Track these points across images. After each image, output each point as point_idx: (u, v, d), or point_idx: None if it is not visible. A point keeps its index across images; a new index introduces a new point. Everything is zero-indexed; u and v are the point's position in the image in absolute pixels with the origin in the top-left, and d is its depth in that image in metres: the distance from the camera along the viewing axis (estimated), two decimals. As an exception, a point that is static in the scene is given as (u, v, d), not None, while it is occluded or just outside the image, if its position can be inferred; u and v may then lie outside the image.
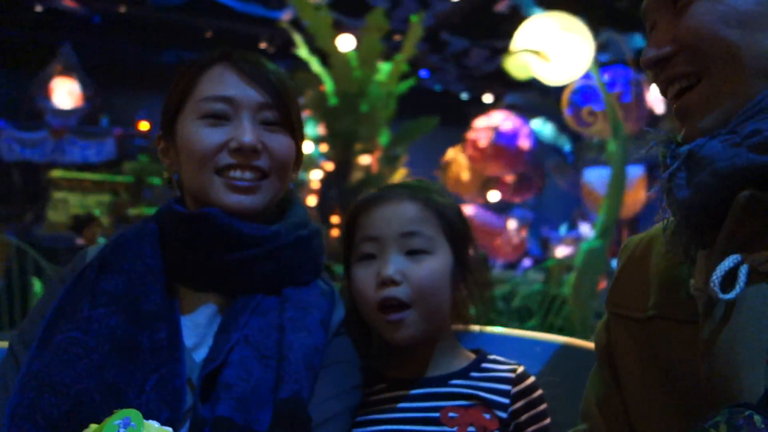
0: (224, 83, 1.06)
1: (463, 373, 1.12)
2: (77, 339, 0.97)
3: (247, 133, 1.04)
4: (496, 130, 8.74)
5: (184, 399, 0.97)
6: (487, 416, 1.07)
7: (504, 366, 1.13)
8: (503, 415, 1.08)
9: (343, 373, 1.07)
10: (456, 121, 11.24)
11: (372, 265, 1.09)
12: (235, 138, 1.04)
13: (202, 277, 1.06)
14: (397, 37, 8.46)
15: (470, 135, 9.13)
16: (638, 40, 11.29)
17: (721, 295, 0.72)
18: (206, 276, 1.06)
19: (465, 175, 9.16)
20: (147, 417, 0.77)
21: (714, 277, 0.73)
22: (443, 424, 1.06)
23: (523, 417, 1.08)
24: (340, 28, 7.80)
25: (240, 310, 1.04)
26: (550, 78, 5.78)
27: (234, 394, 0.94)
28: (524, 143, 8.94)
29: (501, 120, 9.03)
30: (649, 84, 8.86)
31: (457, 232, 1.13)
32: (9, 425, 0.92)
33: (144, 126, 11.24)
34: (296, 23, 7.64)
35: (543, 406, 1.10)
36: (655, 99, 7.65)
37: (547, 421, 1.10)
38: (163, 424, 0.78)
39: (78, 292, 1.04)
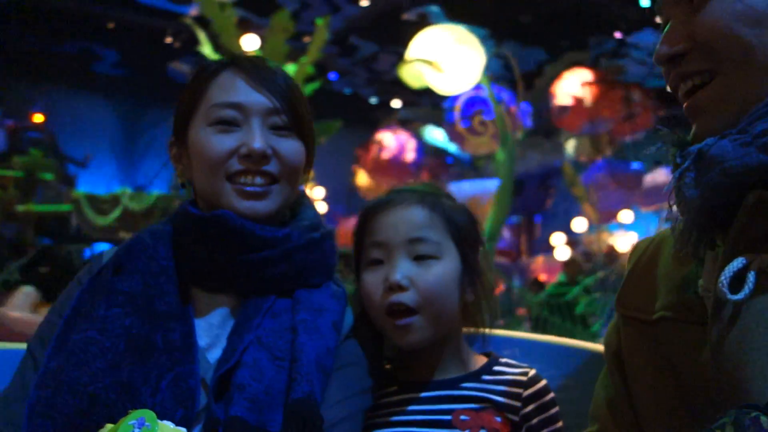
0: (233, 89, 1.07)
1: (475, 376, 1.13)
2: (93, 339, 0.98)
3: (256, 139, 1.04)
4: (380, 146, 9.03)
5: (197, 399, 0.97)
6: (499, 419, 1.08)
7: (515, 369, 1.14)
8: (515, 418, 1.08)
9: (354, 375, 1.08)
10: (365, 124, 11.33)
11: (380, 270, 1.10)
12: (245, 144, 1.05)
13: (216, 278, 1.07)
14: (306, 39, 8.44)
15: (362, 150, 9.40)
16: (538, 54, 11.73)
17: (729, 296, 0.72)
18: (220, 277, 1.07)
19: (371, 183, 9.34)
20: (161, 416, 0.79)
21: (723, 278, 0.73)
22: (455, 426, 1.06)
23: (535, 420, 1.09)
24: (247, 26, 7.70)
25: (253, 312, 1.05)
26: (443, 88, 5.95)
27: (247, 395, 0.95)
28: (409, 156, 9.35)
29: (386, 136, 9.38)
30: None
31: (465, 236, 1.13)
32: (27, 423, 0.93)
33: (38, 118, 10.69)
34: (202, 20, 7.49)
35: (555, 409, 1.11)
36: (523, 114, 7.96)
37: (559, 424, 1.11)
38: (177, 423, 0.80)
39: (94, 293, 1.05)
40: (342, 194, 11.13)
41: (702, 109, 0.81)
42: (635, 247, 1.01)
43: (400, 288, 1.07)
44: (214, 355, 1.04)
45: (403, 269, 1.08)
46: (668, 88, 0.86)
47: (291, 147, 1.09)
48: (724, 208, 0.76)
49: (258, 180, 1.06)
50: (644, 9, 11.51)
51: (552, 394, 1.12)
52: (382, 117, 11.22)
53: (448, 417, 1.07)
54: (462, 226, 1.13)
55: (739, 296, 0.72)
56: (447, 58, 5.64)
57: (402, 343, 1.10)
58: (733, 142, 0.75)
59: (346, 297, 1.15)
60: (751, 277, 0.72)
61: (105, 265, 1.09)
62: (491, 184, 7.37)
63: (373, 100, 13.93)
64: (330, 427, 0.99)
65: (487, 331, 1.18)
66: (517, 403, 1.09)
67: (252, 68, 1.09)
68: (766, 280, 0.72)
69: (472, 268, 1.13)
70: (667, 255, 0.92)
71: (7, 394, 1.04)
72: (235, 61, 1.11)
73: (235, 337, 1.02)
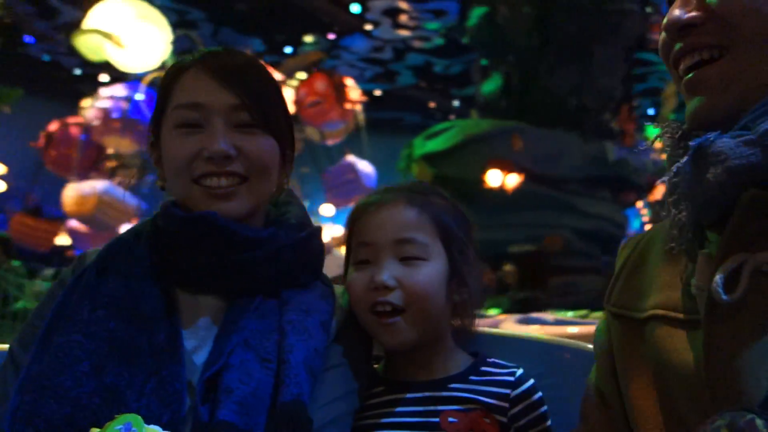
0: (195, 89, 1.04)
1: (463, 377, 1.11)
2: (77, 342, 0.96)
3: (217, 141, 1.02)
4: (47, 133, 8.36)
5: (184, 402, 0.96)
6: (487, 420, 1.06)
7: (503, 369, 1.12)
8: (503, 419, 1.07)
9: (343, 376, 1.07)
10: (68, 96, 10.44)
11: (367, 270, 1.09)
12: (206, 146, 1.02)
13: (201, 279, 1.06)
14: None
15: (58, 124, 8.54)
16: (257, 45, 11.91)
17: (723, 296, 0.71)
18: (205, 278, 1.05)
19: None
20: (147, 420, 0.79)
21: (717, 277, 0.72)
22: (443, 429, 1.05)
23: (523, 420, 1.08)
24: None
25: (239, 313, 1.03)
26: (125, 64, 5.72)
27: (235, 398, 0.93)
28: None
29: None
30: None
31: (454, 237, 1.11)
32: (9, 430, 0.91)
33: None
34: None
35: (543, 409, 1.10)
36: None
37: (548, 423, 1.10)
38: (163, 427, 0.79)
39: (77, 295, 1.02)
40: (30, 171, 10.07)
41: (706, 85, 0.78)
42: (625, 244, 0.99)
43: (386, 288, 1.06)
44: (200, 357, 1.02)
45: (389, 269, 1.07)
46: (667, 63, 0.83)
47: (258, 144, 1.06)
48: (721, 205, 0.75)
49: (223, 182, 1.03)
50: (355, 15, 12.36)
51: (540, 394, 1.12)
52: (87, 90, 10.40)
53: (436, 419, 1.07)
54: (451, 227, 1.12)
55: (734, 297, 0.71)
56: (127, 34, 5.40)
57: (388, 343, 1.09)
58: (735, 139, 0.72)
59: (334, 297, 1.14)
60: (745, 277, 0.71)
61: (88, 266, 1.07)
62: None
63: (78, 72, 12.80)
64: (319, 429, 0.98)
65: (475, 330, 1.18)
66: (505, 404, 1.08)
67: (216, 65, 1.06)
68: (761, 280, 0.71)
69: (461, 270, 1.12)
70: (657, 252, 0.90)
71: None
72: (201, 59, 1.08)
73: (222, 338, 1.01)
